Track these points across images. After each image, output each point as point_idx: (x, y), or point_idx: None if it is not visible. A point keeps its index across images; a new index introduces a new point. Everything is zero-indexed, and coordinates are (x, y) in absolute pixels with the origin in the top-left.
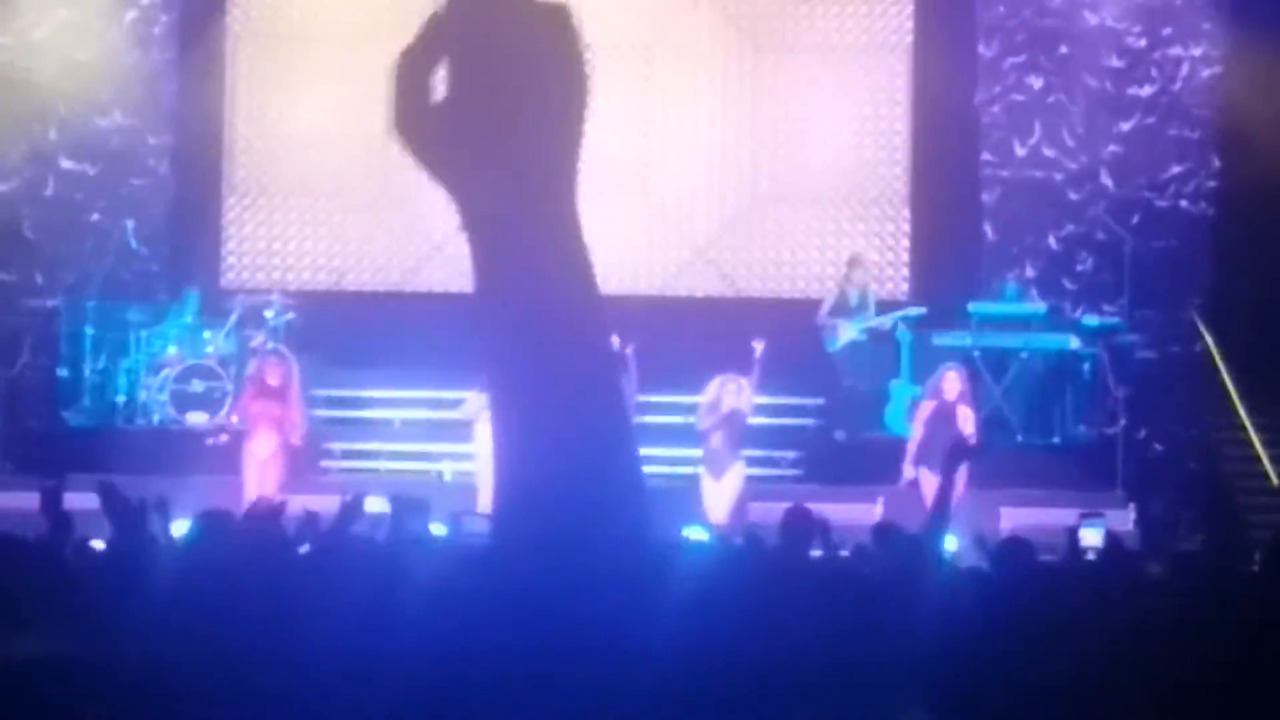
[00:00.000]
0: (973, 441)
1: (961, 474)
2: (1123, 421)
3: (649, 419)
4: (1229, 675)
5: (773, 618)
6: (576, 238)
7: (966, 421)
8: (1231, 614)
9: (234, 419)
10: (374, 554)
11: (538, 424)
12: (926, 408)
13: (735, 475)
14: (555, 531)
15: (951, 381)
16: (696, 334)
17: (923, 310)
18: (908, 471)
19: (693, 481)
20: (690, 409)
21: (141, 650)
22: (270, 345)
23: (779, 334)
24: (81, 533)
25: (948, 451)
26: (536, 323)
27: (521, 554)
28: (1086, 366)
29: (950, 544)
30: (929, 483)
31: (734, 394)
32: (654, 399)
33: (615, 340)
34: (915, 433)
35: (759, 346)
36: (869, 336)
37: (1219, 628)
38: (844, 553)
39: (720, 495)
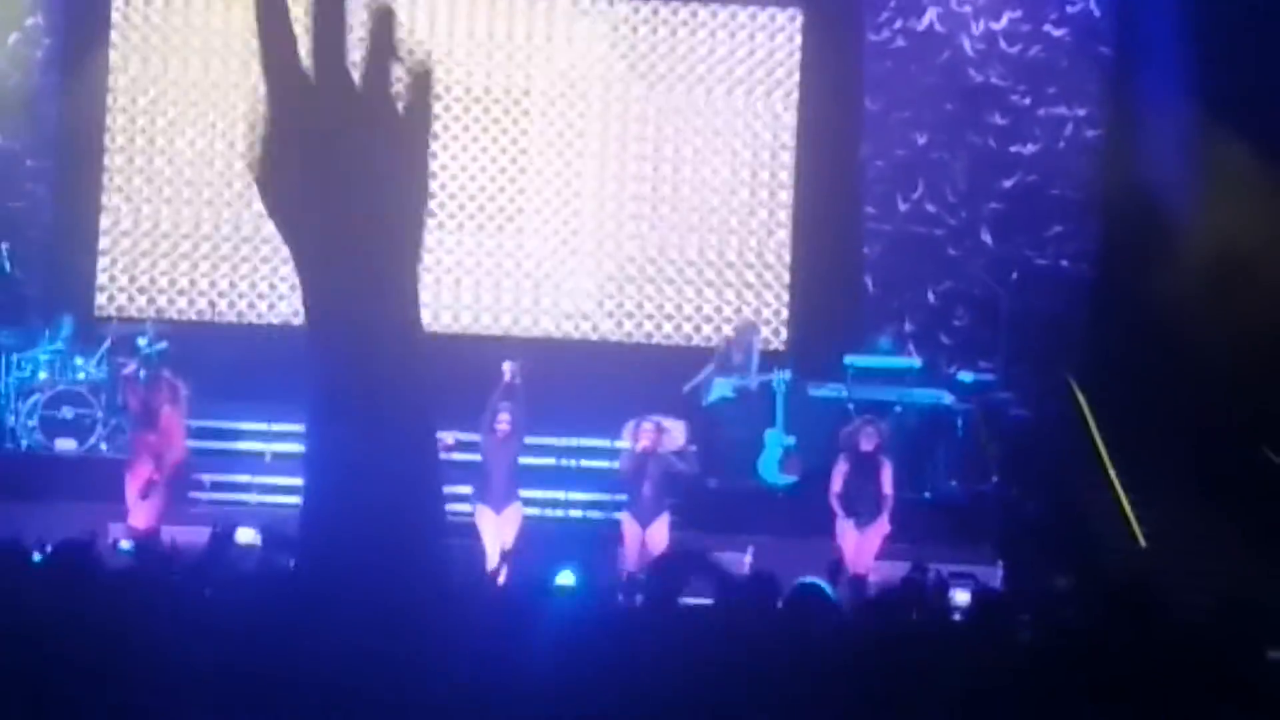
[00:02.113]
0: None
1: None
2: (994, 479)
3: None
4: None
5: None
6: (405, 276)
7: (887, 474)
8: (1091, 671)
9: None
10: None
11: (342, 455)
12: (842, 461)
13: (661, 524)
14: (351, 569)
15: (870, 435)
16: (586, 377)
17: (786, 375)
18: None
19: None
20: (578, 452)
21: None
22: (141, 372)
23: (655, 379)
24: None
25: None
26: (356, 358)
27: (318, 587)
28: (960, 423)
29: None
30: (849, 535)
31: (648, 436)
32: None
33: (506, 367)
34: (834, 485)
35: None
36: (737, 394)
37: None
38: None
39: (643, 542)
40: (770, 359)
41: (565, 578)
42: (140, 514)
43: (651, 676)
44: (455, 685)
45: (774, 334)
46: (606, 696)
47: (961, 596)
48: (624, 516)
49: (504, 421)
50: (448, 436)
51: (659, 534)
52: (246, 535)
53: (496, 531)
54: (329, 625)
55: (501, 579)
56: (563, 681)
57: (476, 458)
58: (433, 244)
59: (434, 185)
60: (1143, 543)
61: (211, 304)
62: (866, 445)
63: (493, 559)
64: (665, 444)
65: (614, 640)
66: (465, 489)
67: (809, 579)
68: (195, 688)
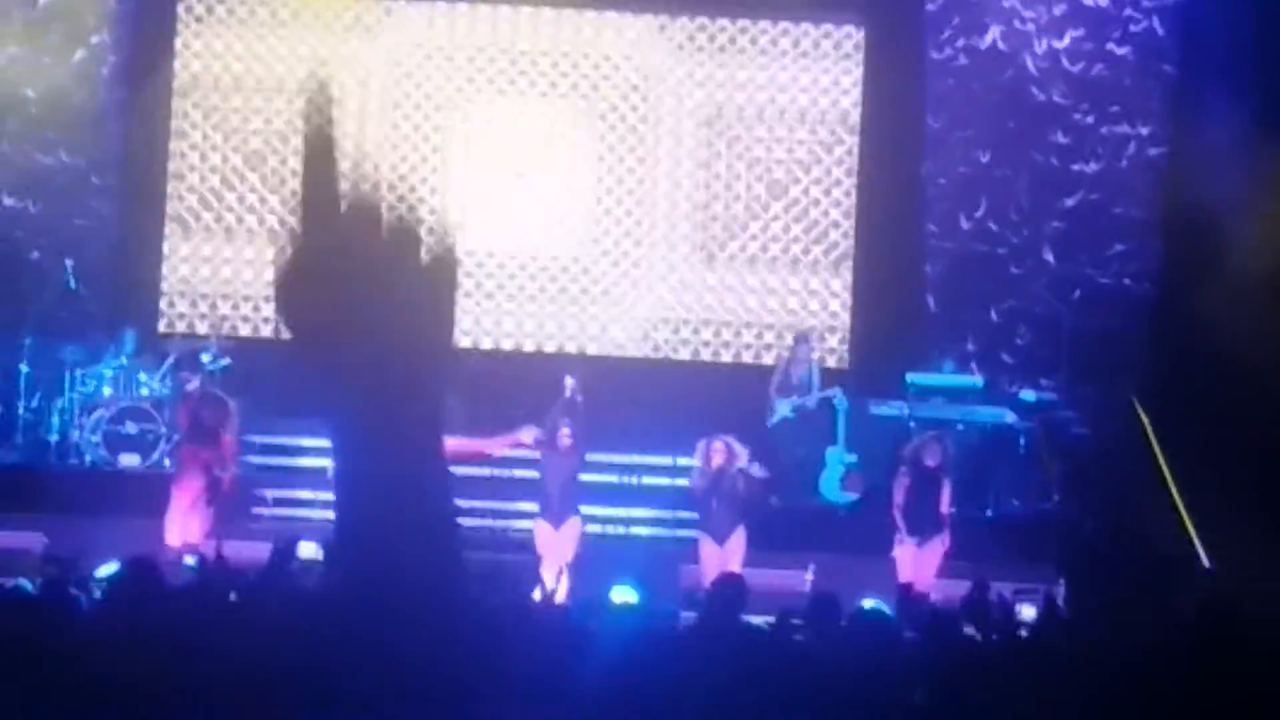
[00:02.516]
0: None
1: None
2: (1056, 498)
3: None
4: None
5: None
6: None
7: (946, 491)
8: (1159, 686)
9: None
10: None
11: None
12: (904, 475)
13: (737, 540)
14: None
15: (934, 451)
16: (649, 396)
17: (838, 391)
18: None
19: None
20: (640, 469)
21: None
22: (197, 388)
23: (717, 399)
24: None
25: None
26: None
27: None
28: (1022, 441)
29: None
30: (908, 551)
31: (720, 454)
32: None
33: (567, 381)
34: (896, 498)
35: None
36: (796, 414)
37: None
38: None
39: (721, 560)
40: (832, 377)
41: (624, 594)
42: (188, 529)
43: (707, 695)
44: (506, 700)
45: (834, 352)
46: (663, 713)
47: (1028, 611)
48: (700, 535)
49: (565, 436)
50: (526, 435)
51: (736, 550)
52: (308, 550)
53: (555, 547)
54: (377, 640)
55: (561, 596)
56: (617, 697)
57: (535, 474)
58: (497, 261)
59: (499, 206)
60: (1206, 563)
61: (271, 322)
62: (930, 461)
63: (548, 575)
64: (737, 461)
65: (674, 658)
66: (528, 505)
67: (871, 603)
68: (254, 702)
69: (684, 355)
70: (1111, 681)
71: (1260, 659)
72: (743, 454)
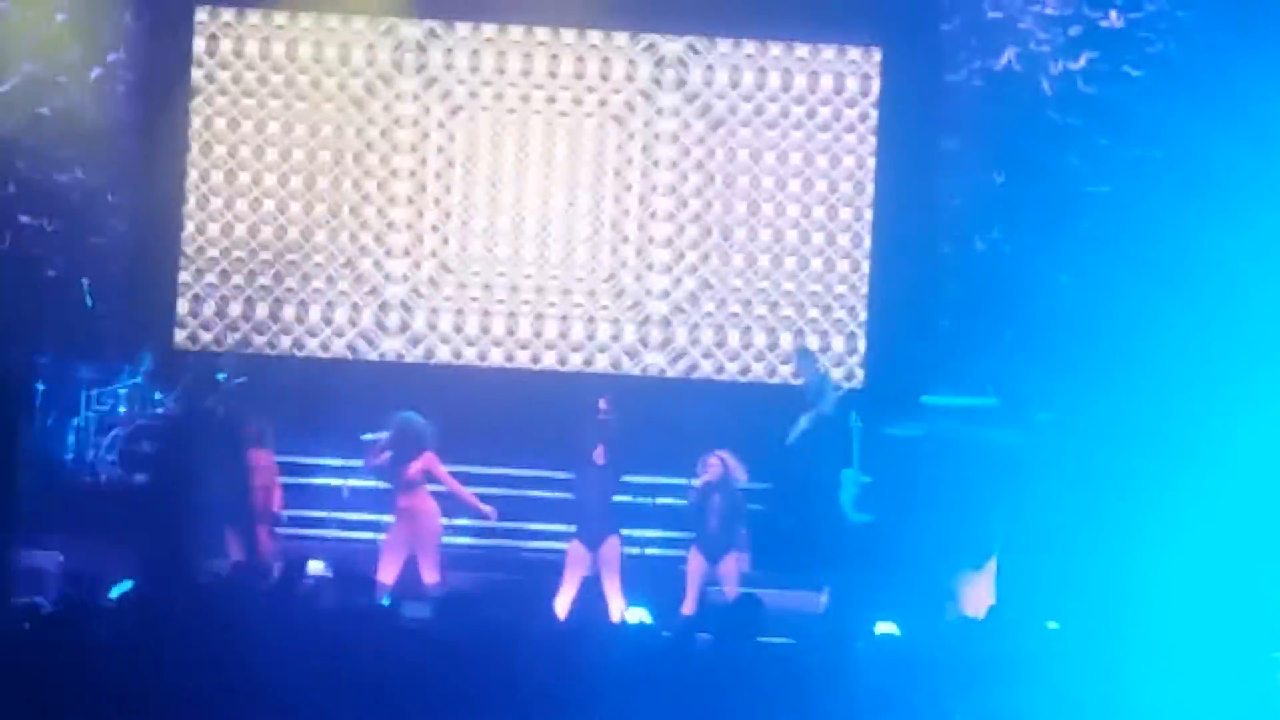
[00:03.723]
0: None
1: None
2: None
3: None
4: None
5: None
6: None
7: None
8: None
9: None
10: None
11: None
12: None
13: (731, 560)
14: None
15: None
16: (658, 414)
17: (840, 388)
18: None
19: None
20: (655, 489)
21: None
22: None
23: (730, 418)
24: (26, 591)
25: None
26: None
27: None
28: (1035, 461)
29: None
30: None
31: (715, 468)
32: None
33: (601, 403)
34: None
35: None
36: (814, 426)
37: None
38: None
39: (710, 576)
40: (847, 398)
41: (637, 615)
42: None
43: (720, 714)
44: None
45: (850, 372)
46: None
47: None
48: (690, 551)
49: (599, 455)
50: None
51: (729, 570)
52: (316, 567)
53: (587, 567)
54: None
55: (615, 614)
56: (629, 714)
57: (567, 495)
58: (511, 283)
59: (504, 223)
60: None
61: (287, 340)
62: None
63: (568, 593)
64: (733, 476)
65: (681, 677)
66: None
67: (887, 624)
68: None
69: (698, 374)
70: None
71: None
72: (739, 468)
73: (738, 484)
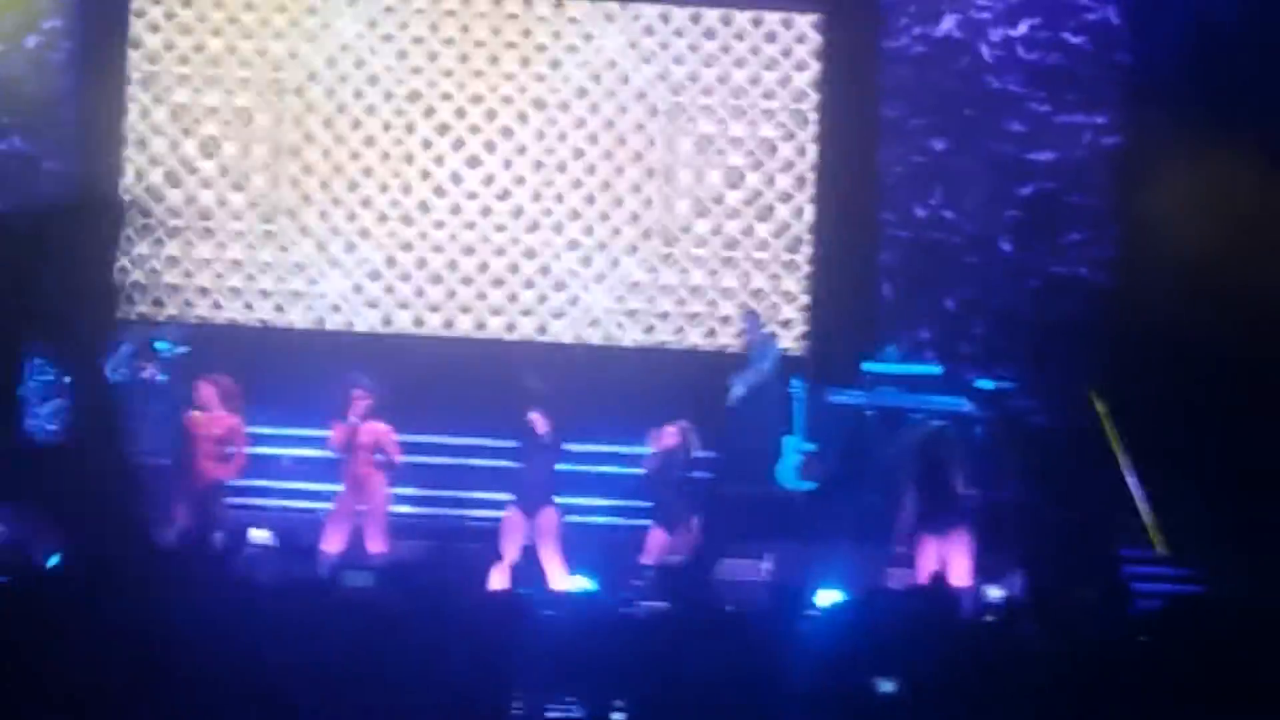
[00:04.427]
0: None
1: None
2: (1014, 487)
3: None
4: None
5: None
6: None
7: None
8: (1111, 682)
9: None
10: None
11: None
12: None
13: (688, 528)
14: None
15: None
16: (604, 383)
17: (780, 351)
18: None
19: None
20: (597, 458)
21: None
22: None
23: (673, 385)
24: None
25: None
26: None
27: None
28: (979, 430)
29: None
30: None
31: (671, 437)
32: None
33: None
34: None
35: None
36: (752, 390)
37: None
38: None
39: (668, 547)
40: (789, 365)
41: (580, 582)
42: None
43: (665, 682)
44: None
45: (793, 340)
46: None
47: (988, 596)
48: (650, 523)
49: (539, 422)
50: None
51: (682, 540)
52: (260, 536)
53: (524, 536)
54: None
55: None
56: (573, 683)
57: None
58: (459, 246)
59: (457, 189)
60: (1162, 549)
61: (225, 309)
62: (942, 450)
63: (506, 564)
64: (690, 445)
65: (629, 644)
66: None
67: (830, 593)
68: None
69: (641, 341)
70: (1069, 670)
71: (1218, 645)
72: (695, 438)
73: (693, 455)
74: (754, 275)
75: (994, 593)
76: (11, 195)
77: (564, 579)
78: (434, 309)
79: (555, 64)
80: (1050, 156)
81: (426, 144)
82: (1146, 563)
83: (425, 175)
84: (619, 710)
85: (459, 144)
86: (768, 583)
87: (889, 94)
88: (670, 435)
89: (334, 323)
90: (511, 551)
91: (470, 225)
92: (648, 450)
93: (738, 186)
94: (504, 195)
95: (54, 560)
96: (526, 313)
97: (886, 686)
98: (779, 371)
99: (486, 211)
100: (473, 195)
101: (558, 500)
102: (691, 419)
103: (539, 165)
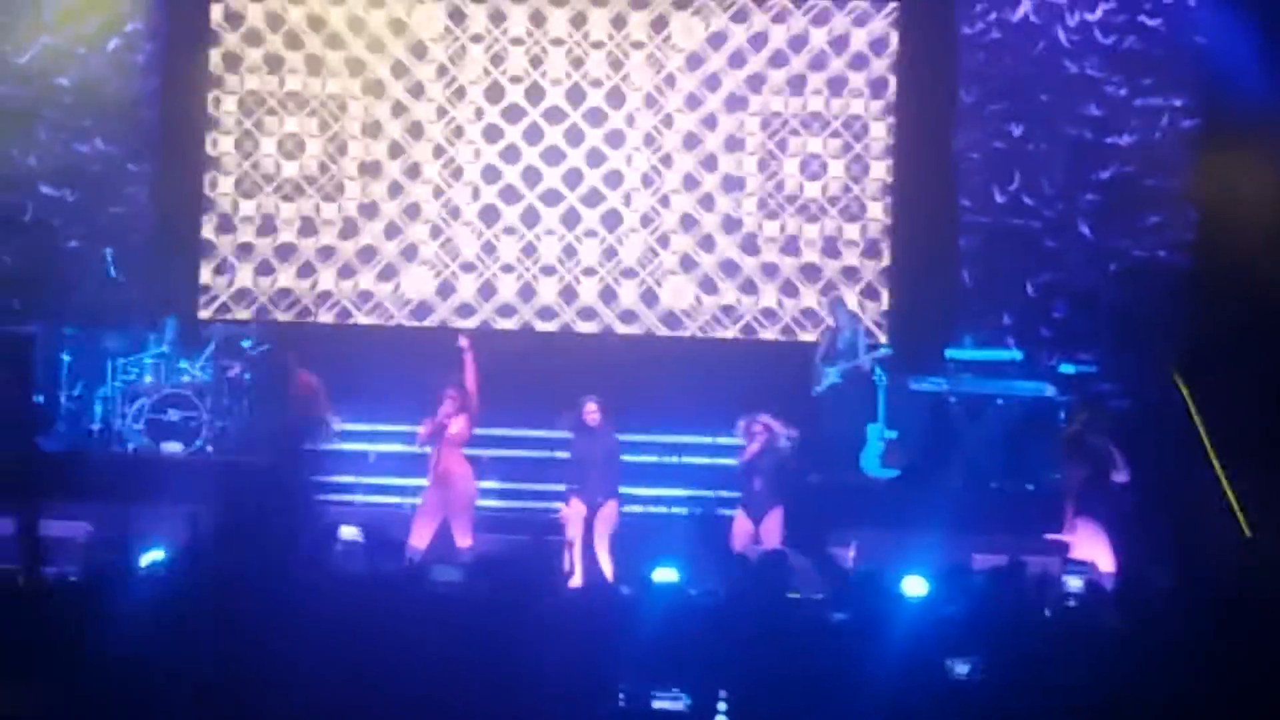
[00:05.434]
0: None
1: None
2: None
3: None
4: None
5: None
6: None
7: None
8: (1192, 663)
9: None
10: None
11: None
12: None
13: (773, 518)
14: None
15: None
16: (687, 374)
17: (889, 349)
18: None
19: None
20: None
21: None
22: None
23: (757, 377)
24: (55, 561)
25: None
26: None
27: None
28: (1062, 414)
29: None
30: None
31: (762, 434)
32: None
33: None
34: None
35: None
36: (847, 379)
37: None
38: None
39: (754, 536)
40: (874, 353)
41: (665, 573)
42: None
43: (746, 669)
44: (545, 674)
45: (874, 328)
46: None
47: (1074, 583)
48: (737, 512)
49: (592, 413)
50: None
51: (772, 528)
52: (349, 533)
53: (585, 526)
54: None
55: (608, 575)
56: (657, 671)
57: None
58: (541, 242)
59: (525, 186)
60: (1248, 533)
61: (310, 307)
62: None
63: (573, 554)
64: (779, 438)
65: (715, 632)
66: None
67: (914, 579)
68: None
69: (722, 334)
70: (1156, 652)
71: None
72: (782, 430)
73: (784, 445)
74: (834, 265)
75: (1073, 582)
76: (95, 196)
77: (611, 570)
78: (519, 304)
79: (626, 54)
80: (1128, 140)
81: (496, 136)
82: (1233, 545)
83: (502, 168)
84: (713, 699)
85: (536, 136)
86: (853, 569)
87: (966, 80)
88: (760, 431)
89: (418, 319)
90: (573, 544)
91: (548, 224)
92: (738, 442)
93: (817, 177)
94: (583, 190)
95: (145, 558)
96: (609, 305)
97: (966, 669)
98: (868, 360)
99: (560, 204)
100: (552, 197)
101: (619, 492)
102: (775, 410)
103: (616, 158)
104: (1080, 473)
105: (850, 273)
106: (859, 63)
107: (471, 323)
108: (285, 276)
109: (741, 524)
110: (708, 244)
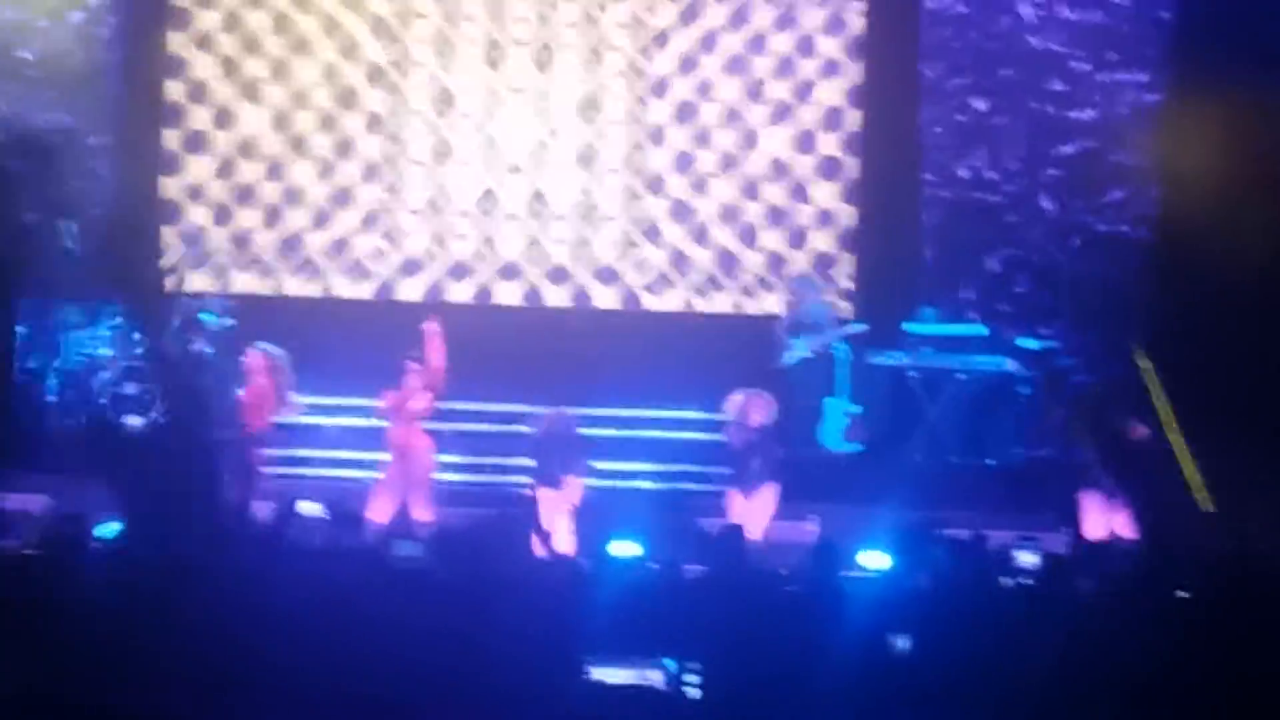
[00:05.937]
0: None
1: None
2: (1058, 445)
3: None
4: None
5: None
6: None
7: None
8: (1159, 632)
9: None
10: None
11: None
12: None
13: (766, 493)
14: None
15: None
16: (648, 349)
17: (863, 324)
18: None
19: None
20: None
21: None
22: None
23: (718, 349)
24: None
25: None
26: None
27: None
28: (1022, 389)
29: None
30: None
31: (760, 411)
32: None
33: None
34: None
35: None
36: (815, 354)
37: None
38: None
39: (751, 514)
40: (840, 327)
41: (626, 547)
42: None
43: (709, 643)
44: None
45: (835, 302)
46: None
47: (1027, 558)
48: (732, 490)
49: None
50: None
51: (765, 504)
52: (310, 509)
53: (553, 505)
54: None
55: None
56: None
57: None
58: (507, 216)
59: (494, 158)
60: (1208, 507)
61: (273, 272)
62: None
63: (543, 533)
64: (769, 415)
65: (676, 607)
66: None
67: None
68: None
69: (679, 308)
70: (1113, 627)
71: (1264, 601)
72: (768, 404)
73: (770, 423)
74: (796, 239)
75: (1026, 556)
76: (55, 169)
77: (571, 546)
78: (477, 275)
79: (590, 20)
80: (1091, 115)
81: (488, 107)
82: (1192, 520)
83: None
84: (667, 671)
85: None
86: (813, 544)
87: (929, 54)
88: (759, 408)
89: (382, 292)
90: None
91: (516, 197)
92: (728, 419)
93: (780, 150)
94: (543, 162)
95: (102, 531)
96: (566, 279)
97: (925, 645)
98: (834, 334)
99: (528, 183)
100: (516, 169)
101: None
102: (741, 384)
103: (577, 130)
104: (1094, 447)
105: (813, 247)
106: (822, 36)
107: (424, 288)
108: (247, 250)
109: (739, 503)
110: (669, 218)
